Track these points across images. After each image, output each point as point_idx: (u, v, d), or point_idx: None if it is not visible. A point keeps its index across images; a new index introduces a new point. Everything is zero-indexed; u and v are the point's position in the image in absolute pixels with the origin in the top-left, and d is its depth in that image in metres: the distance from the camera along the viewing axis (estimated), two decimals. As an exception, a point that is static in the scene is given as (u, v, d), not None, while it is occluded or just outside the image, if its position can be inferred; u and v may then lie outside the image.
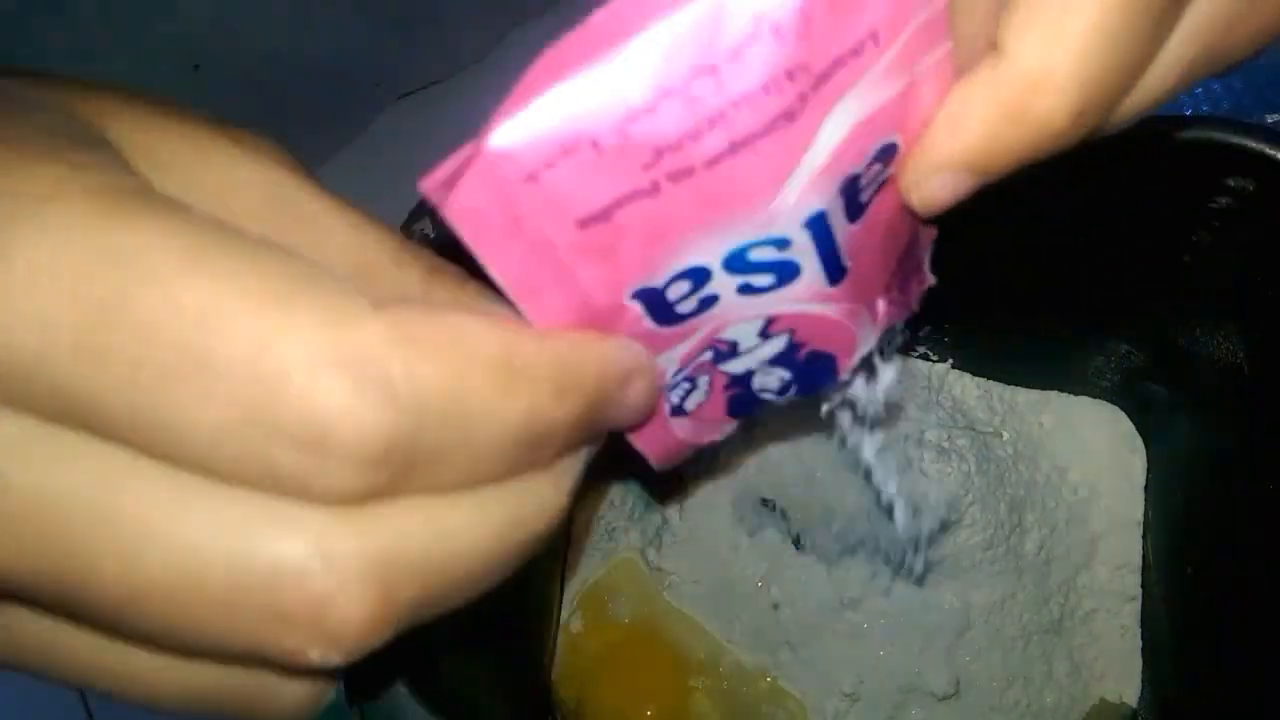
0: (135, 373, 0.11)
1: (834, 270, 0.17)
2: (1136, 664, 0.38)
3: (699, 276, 0.16)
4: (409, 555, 0.13)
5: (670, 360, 0.18)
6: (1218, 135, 0.30)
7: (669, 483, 0.38)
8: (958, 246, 0.35)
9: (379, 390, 0.12)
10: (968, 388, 0.40)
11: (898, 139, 0.16)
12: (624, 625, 0.39)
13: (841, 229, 0.17)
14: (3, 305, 0.11)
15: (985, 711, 0.37)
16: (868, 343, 0.20)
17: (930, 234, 0.20)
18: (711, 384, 0.20)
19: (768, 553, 0.38)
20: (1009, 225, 0.34)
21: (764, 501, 0.38)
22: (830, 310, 0.18)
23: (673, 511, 0.39)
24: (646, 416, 0.17)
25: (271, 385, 0.11)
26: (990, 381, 0.41)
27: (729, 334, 0.18)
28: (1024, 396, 0.41)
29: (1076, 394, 0.41)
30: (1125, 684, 0.38)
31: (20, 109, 0.13)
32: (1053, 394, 0.41)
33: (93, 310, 0.11)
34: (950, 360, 0.40)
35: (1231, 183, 0.31)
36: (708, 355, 0.19)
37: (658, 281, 0.16)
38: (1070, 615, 0.38)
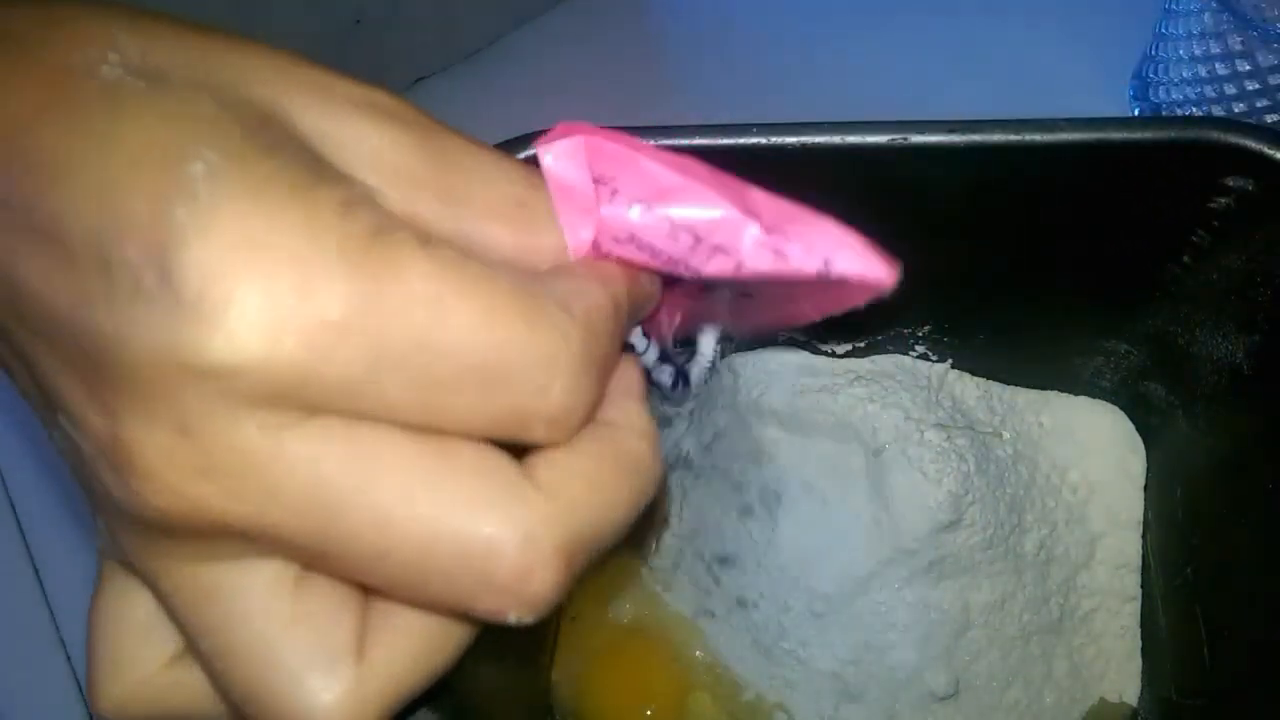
0: (441, 383, 0.15)
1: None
2: (1136, 664, 0.38)
3: None
4: (584, 530, 0.17)
5: None
6: (1218, 135, 0.30)
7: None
8: (959, 247, 0.35)
9: (583, 385, 0.16)
10: (968, 388, 0.40)
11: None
12: (624, 625, 0.39)
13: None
14: (335, 340, 0.14)
15: (985, 711, 0.37)
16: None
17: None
18: None
19: (767, 553, 0.38)
20: (1009, 226, 0.34)
21: (763, 502, 0.38)
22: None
23: (673, 511, 0.39)
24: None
25: (534, 386, 0.16)
26: (990, 381, 0.41)
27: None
28: (1024, 396, 0.41)
29: (1076, 394, 0.41)
30: (1125, 684, 0.38)
31: (250, 126, 0.15)
32: (1053, 394, 0.41)
33: (407, 342, 0.15)
34: (950, 360, 0.40)
35: (1231, 183, 0.31)
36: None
37: None
38: (1070, 615, 0.38)
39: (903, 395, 0.38)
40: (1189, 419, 0.37)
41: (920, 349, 0.40)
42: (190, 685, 0.18)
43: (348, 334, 0.14)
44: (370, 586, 0.17)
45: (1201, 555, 0.35)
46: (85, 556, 0.45)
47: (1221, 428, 0.35)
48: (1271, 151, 0.29)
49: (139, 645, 0.19)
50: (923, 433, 0.37)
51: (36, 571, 0.45)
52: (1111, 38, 0.53)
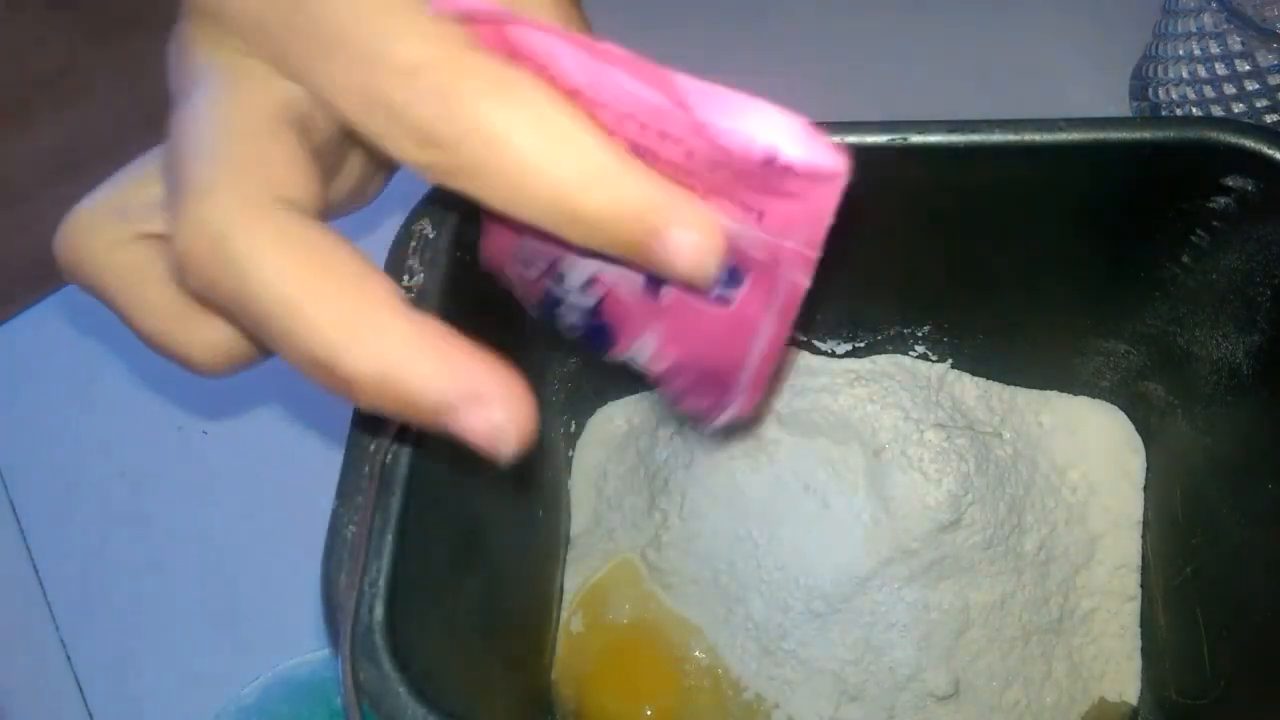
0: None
1: (652, 288, 0.21)
2: (1136, 664, 0.38)
3: None
4: (214, 250, 0.18)
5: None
6: (1218, 135, 0.30)
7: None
8: (959, 247, 0.35)
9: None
10: (967, 388, 0.40)
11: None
12: (624, 625, 0.39)
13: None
14: None
15: (985, 711, 0.37)
16: (643, 349, 0.24)
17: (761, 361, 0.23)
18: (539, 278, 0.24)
19: (767, 553, 0.38)
20: (1009, 226, 0.34)
21: (763, 502, 0.38)
22: (633, 302, 0.22)
23: (673, 511, 0.39)
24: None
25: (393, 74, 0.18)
26: (990, 381, 0.41)
27: (565, 267, 0.23)
28: (1024, 396, 0.41)
29: (1076, 394, 0.41)
30: (1125, 684, 0.38)
31: None
32: (1052, 394, 0.41)
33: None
34: (950, 360, 0.40)
35: (1231, 183, 0.31)
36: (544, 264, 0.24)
37: None
38: (1070, 615, 0.38)
39: (902, 395, 0.38)
40: (1189, 419, 0.37)
41: (920, 349, 0.40)
42: (127, 263, 0.21)
43: None
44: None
45: (1201, 555, 0.35)
46: (85, 556, 0.45)
47: (1221, 428, 0.35)
48: (1271, 151, 0.29)
49: (124, 201, 0.21)
50: (922, 433, 0.37)
51: (36, 571, 0.45)
52: (1111, 38, 0.53)
